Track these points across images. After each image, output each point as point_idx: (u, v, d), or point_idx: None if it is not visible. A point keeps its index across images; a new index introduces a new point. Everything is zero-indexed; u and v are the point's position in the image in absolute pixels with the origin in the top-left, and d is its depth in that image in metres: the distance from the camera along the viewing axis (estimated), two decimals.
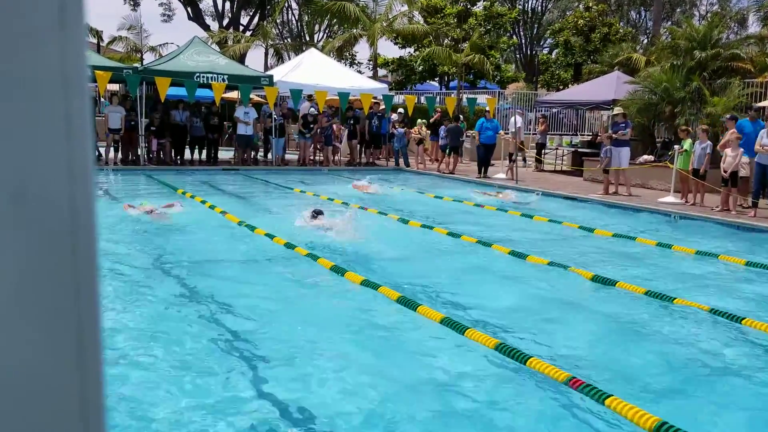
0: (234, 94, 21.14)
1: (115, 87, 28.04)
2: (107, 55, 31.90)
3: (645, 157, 15.66)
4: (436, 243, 8.47)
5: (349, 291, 5.95)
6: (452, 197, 13.04)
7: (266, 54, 39.17)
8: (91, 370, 0.53)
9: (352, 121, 19.14)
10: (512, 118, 19.84)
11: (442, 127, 18.44)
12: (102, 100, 22.34)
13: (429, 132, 19.96)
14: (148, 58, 39.67)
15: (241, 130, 17.58)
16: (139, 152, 16.88)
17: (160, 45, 39.72)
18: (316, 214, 8.85)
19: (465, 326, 4.88)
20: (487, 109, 18.19)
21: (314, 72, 19.31)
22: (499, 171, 17.54)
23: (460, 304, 5.82)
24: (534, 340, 4.88)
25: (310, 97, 18.87)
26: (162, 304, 5.40)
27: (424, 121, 19.93)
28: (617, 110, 14.82)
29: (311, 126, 18.61)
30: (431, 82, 40.56)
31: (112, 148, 16.83)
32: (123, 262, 6.72)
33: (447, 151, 18.12)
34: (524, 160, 20.30)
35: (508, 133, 18.24)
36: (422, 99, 28.82)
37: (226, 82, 17.14)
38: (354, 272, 6.41)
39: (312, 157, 19.56)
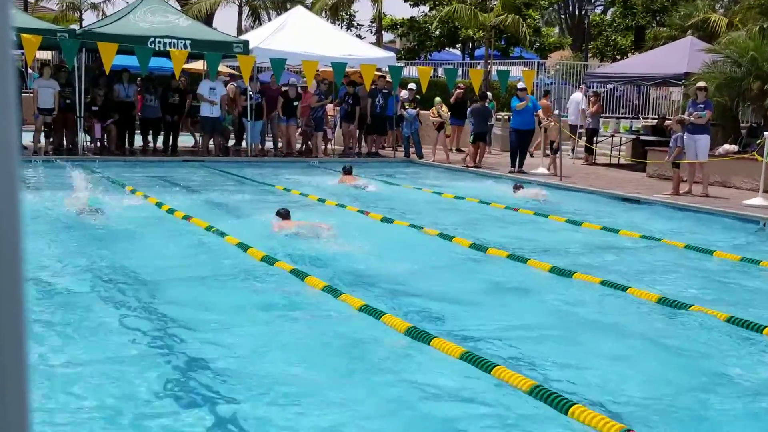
0: (199, 65, 21.20)
1: (46, 55, 28.23)
2: (37, 14, 32.09)
3: (726, 147, 15.64)
4: (454, 255, 8.51)
5: (341, 317, 5.97)
6: (476, 197, 13.08)
7: (240, 13, 39.37)
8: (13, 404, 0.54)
9: (350, 101, 19.15)
10: (573, 95, 19.91)
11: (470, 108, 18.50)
12: (30, 71, 22.46)
13: (449, 114, 19.99)
14: (89, 18, 39.97)
15: (206, 111, 17.62)
16: (78, 139, 16.94)
17: (104, 1, 39.97)
18: (282, 216, 9.08)
19: (492, 363, 4.85)
20: (523, 85, 18.19)
21: (301, 36, 19.36)
22: (539, 164, 17.54)
23: (483, 334, 5.79)
24: (576, 378, 4.83)
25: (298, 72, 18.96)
26: (99, 331, 5.39)
27: (440, 100, 19.96)
28: (698, 85, 14.76)
29: (294, 104, 18.64)
30: (452, 50, 40.64)
31: (42, 134, 16.87)
32: (53, 277, 6.72)
33: (471, 138, 18.15)
34: (573, 150, 20.32)
35: (557, 115, 18.20)
36: (440, 71, 28.94)
37: (189, 49, 17.22)
38: (349, 294, 6.46)
39: (300, 146, 19.58)
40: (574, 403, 4.26)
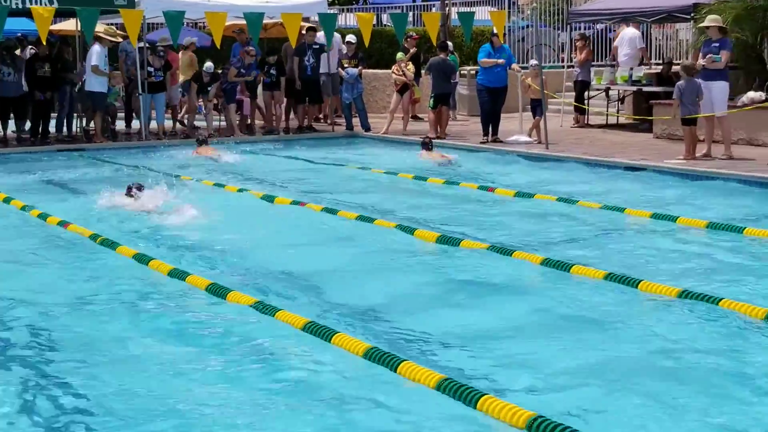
0: (70, 25, 20.76)
1: None
2: None
3: (751, 95, 15.77)
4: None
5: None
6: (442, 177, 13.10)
7: None
8: None
9: (273, 71, 19.04)
10: (624, 31, 19.95)
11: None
12: None
13: (413, 73, 19.79)
14: None
15: (95, 85, 17.46)
16: None
17: None
18: (134, 189, 10.58)
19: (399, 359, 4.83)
20: (495, 31, 18.16)
21: None
22: (516, 130, 17.57)
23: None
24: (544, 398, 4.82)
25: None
26: None
27: (404, 55, 19.76)
28: (709, 20, 14.80)
29: (208, 88, 18.98)
30: None
31: None
32: None
33: (431, 102, 18.07)
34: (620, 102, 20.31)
35: (530, 67, 18.23)
36: (385, 18, 28.78)
37: (56, 5, 16.84)
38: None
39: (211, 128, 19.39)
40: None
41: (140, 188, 10.62)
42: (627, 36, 20.14)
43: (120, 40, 19.71)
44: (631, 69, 19.28)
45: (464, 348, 5.79)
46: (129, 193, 10.60)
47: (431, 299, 7.02)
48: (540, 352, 5.67)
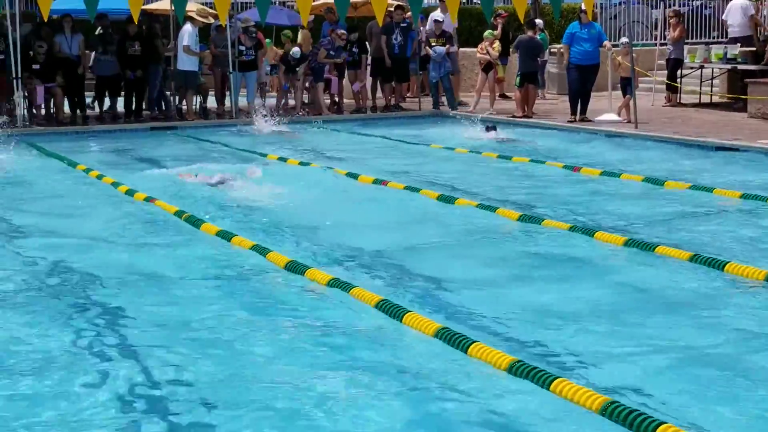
0: (162, 5, 21.03)
1: None
2: None
3: None
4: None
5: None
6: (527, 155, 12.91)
7: None
8: None
9: (354, 49, 19.16)
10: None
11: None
12: None
13: (499, 52, 19.58)
14: None
15: (187, 64, 17.74)
16: (16, 107, 16.82)
17: None
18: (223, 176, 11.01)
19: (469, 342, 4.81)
20: (583, 8, 17.82)
21: None
22: (606, 109, 17.29)
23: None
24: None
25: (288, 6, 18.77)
26: None
27: (492, 33, 19.57)
28: None
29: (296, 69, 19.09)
30: None
31: None
32: None
33: (518, 80, 17.90)
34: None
35: (621, 45, 17.88)
36: None
37: None
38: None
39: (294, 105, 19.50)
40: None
41: (224, 177, 10.97)
42: (735, 5, 19.65)
43: (212, 21, 19.92)
44: (725, 46, 18.78)
45: (543, 328, 5.71)
46: (217, 181, 10.89)
47: (511, 278, 6.97)
48: (618, 335, 5.55)
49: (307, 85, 19.75)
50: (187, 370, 4.98)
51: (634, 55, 16.45)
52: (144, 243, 8.25)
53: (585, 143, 14.89)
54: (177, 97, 19.05)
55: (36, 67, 17.05)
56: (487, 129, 15.48)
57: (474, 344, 5.13)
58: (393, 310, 5.80)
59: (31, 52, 17.01)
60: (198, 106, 18.94)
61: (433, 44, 19.22)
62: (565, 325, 5.76)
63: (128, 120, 17.93)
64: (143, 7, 17.49)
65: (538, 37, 18.58)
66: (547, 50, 21.15)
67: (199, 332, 5.64)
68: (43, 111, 17.81)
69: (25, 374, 4.96)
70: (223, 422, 4.31)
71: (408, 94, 21.12)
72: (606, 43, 17.41)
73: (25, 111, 17.15)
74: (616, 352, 5.27)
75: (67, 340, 5.57)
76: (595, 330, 5.67)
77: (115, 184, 10.98)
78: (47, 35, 17.24)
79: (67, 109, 17.73)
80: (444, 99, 19.25)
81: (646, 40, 25.23)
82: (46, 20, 16.53)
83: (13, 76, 16.44)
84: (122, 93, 18.24)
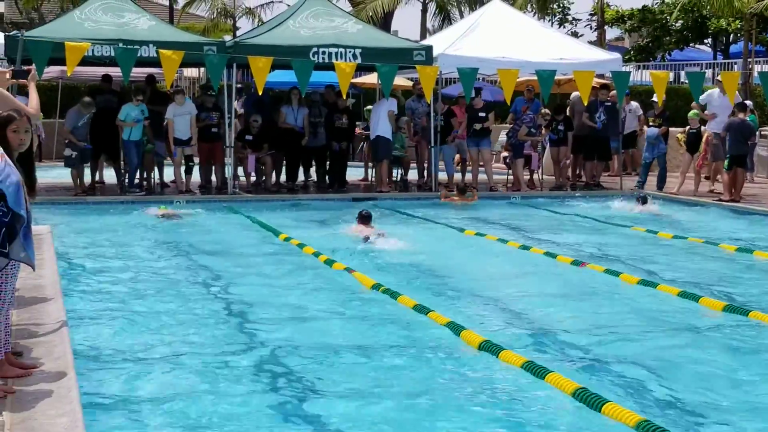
0: (369, 78, 21.51)
1: (193, 73, 29.80)
2: (183, 25, 33.88)
3: None
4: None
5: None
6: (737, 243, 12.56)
7: (424, 11, 39.65)
8: None
9: (560, 127, 19.00)
10: None
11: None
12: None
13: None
14: (245, 26, 41.66)
15: (384, 131, 17.98)
16: (227, 174, 17.50)
17: (261, 5, 41.30)
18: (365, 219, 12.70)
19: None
20: None
21: (497, 38, 19.18)
22: None
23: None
24: None
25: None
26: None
27: (697, 113, 19.00)
28: None
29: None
30: (699, 46, 39.19)
31: (182, 169, 17.37)
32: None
33: (727, 163, 17.25)
34: None
35: None
36: (682, 75, 27.84)
37: (359, 60, 17.53)
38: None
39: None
40: None
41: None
42: None
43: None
44: None
45: None
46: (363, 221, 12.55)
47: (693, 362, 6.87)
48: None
49: (507, 161, 19.70)
50: None
51: None
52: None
53: None
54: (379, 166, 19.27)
55: (248, 138, 17.56)
56: (641, 201, 16.15)
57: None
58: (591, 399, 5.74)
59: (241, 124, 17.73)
60: (399, 178, 19.15)
61: (650, 124, 18.95)
62: None
63: (331, 190, 18.32)
64: (353, 80, 17.89)
65: (749, 119, 17.91)
66: (758, 132, 20.37)
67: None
68: (253, 178, 18.36)
69: None
70: None
71: (608, 173, 20.78)
72: None
73: (234, 179, 17.56)
74: None
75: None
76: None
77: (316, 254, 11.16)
78: (269, 107, 17.99)
79: (283, 177, 18.32)
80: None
81: None
82: (260, 93, 17.16)
83: (226, 144, 17.22)
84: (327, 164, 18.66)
